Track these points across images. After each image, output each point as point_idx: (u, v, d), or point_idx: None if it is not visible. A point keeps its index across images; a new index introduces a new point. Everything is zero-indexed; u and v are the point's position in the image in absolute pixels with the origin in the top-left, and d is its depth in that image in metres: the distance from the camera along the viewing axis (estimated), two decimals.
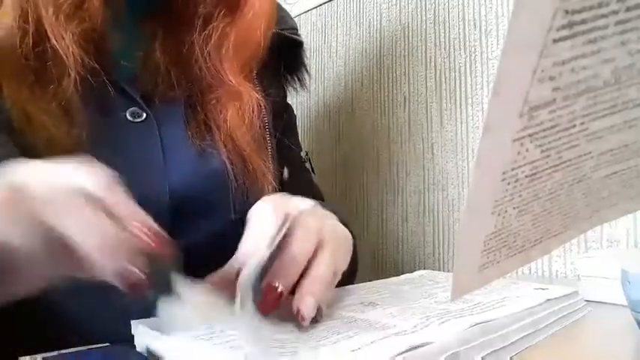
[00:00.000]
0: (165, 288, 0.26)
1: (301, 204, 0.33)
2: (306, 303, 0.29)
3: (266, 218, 0.31)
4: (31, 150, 0.33)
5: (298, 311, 0.29)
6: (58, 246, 0.24)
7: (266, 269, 0.28)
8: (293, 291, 0.30)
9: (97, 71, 0.37)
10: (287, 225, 0.30)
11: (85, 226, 0.24)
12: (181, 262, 0.27)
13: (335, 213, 0.38)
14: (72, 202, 0.24)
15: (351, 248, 0.37)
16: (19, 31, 0.34)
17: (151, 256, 0.25)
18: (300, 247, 0.30)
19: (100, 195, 0.25)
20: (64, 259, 0.25)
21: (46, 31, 0.35)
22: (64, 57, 0.34)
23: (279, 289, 0.29)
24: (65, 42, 0.35)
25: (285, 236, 0.30)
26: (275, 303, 0.29)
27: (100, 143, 0.37)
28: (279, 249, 0.29)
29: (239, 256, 0.30)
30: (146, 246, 0.25)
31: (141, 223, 0.26)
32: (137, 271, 0.24)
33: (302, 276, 0.31)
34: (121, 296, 0.25)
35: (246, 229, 0.31)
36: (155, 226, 0.26)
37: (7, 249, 0.24)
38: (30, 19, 0.34)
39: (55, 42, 0.34)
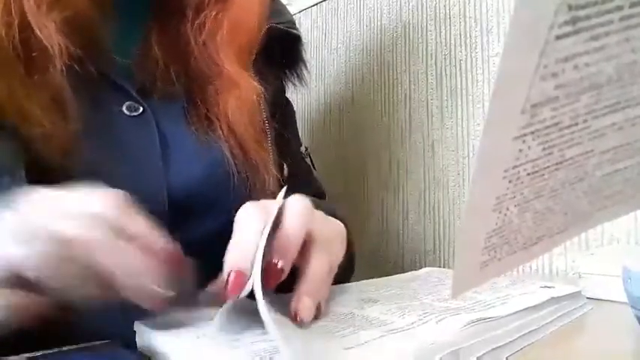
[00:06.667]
0: (185, 301, 0.29)
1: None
2: (304, 304, 0.29)
3: (250, 220, 0.31)
4: (27, 146, 0.33)
5: (296, 313, 0.29)
6: (92, 276, 0.26)
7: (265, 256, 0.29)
8: (291, 287, 0.31)
9: (86, 61, 0.36)
10: (272, 219, 0.30)
11: (118, 259, 0.26)
12: (196, 274, 0.29)
13: (328, 209, 0.38)
14: (102, 235, 0.26)
15: (345, 240, 0.36)
16: (4, 24, 0.34)
17: (172, 275, 0.27)
18: (292, 223, 0.30)
19: (120, 222, 0.27)
20: (96, 287, 0.26)
21: (29, 21, 0.34)
22: (48, 46, 0.34)
23: (279, 266, 0.29)
24: (48, 31, 0.34)
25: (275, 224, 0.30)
26: (276, 279, 0.29)
27: (96, 138, 0.36)
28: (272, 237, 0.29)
29: (228, 262, 0.30)
30: (169, 269, 0.27)
31: (160, 246, 0.28)
32: (162, 292, 0.27)
33: (298, 275, 0.31)
34: (144, 312, 0.28)
35: (232, 237, 0.32)
36: (171, 246, 0.28)
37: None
38: (13, 10, 0.34)
39: (38, 31, 0.34)
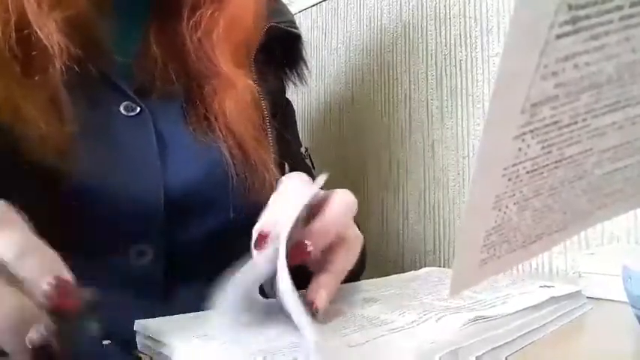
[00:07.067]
0: (79, 338, 0.25)
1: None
2: (321, 296, 0.30)
3: (295, 190, 0.33)
4: (22, 147, 0.33)
5: (312, 302, 0.29)
6: None
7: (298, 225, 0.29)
8: (308, 279, 0.31)
9: (86, 62, 0.36)
10: (317, 193, 0.31)
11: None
12: (94, 305, 0.24)
13: None
14: None
15: (360, 248, 0.37)
16: (0, 22, 0.33)
17: (60, 312, 0.23)
18: (335, 216, 0.31)
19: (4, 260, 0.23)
20: None
21: (29, 20, 0.34)
22: (49, 46, 0.34)
23: (308, 248, 0.29)
24: (48, 30, 0.34)
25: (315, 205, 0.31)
26: (300, 257, 0.29)
27: (93, 138, 0.36)
28: (311, 211, 0.30)
29: (269, 216, 0.31)
30: (51, 306, 0.23)
31: (51, 278, 0.23)
32: (43, 335, 0.22)
33: (320, 268, 0.31)
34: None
35: (277, 191, 0.33)
36: (62, 274, 0.24)
37: None
38: (11, 8, 0.33)
39: (38, 30, 0.34)
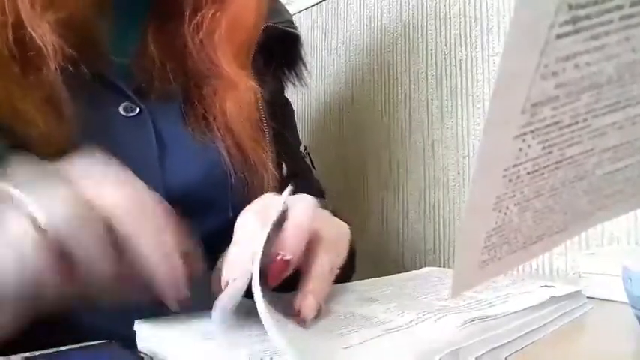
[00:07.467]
0: (201, 300, 0.30)
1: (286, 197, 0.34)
2: (307, 303, 0.29)
3: (248, 225, 0.32)
4: (23, 147, 0.33)
5: (299, 311, 0.29)
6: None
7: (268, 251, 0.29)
8: (294, 285, 0.31)
9: (82, 62, 0.36)
10: (273, 219, 0.30)
11: (157, 251, 0.27)
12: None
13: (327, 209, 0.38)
14: (150, 222, 0.28)
15: (348, 241, 0.36)
16: None
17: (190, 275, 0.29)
18: (299, 216, 0.30)
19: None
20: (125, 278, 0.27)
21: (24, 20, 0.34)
22: (42, 46, 0.33)
23: (285, 257, 0.28)
24: (42, 31, 0.34)
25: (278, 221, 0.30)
26: (281, 271, 0.29)
27: (93, 138, 0.36)
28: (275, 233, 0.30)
29: (225, 271, 0.30)
30: (192, 270, 0.29)
31: (186, 248, 0.29)
32: (186, 291, 0.28)
33: (302, 273, 0.31)
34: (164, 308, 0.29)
35: (230, 244, 0.32)
36: (192, 246, 0.30)
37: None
38: (7, 10, 0.33)
39: (32, 31, 0.33)
